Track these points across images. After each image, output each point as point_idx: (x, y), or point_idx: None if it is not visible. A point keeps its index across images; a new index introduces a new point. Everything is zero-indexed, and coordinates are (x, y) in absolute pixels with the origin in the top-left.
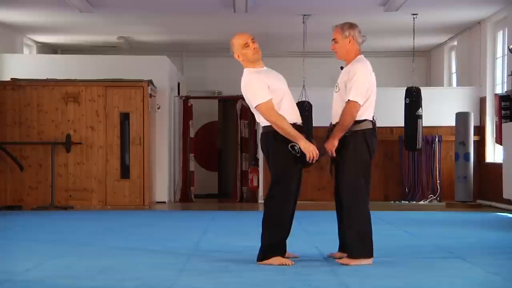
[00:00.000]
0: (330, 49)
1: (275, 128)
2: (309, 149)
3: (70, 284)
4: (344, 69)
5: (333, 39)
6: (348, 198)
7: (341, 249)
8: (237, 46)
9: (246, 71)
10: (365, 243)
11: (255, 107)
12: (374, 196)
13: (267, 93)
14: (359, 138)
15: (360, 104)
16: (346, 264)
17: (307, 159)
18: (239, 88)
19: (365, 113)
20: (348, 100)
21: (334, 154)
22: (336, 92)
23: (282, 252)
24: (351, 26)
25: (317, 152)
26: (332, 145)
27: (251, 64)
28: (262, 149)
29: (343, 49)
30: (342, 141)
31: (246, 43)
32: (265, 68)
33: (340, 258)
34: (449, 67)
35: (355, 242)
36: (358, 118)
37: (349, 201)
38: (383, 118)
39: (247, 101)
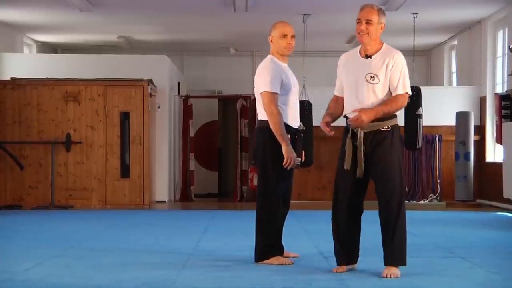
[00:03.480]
0: (357, 31)
1: (269, 120)
2: (289, 155)
3: (70, 283)
4: (375, 57)
5: (367, 20)
6: (400, 202)
7: (355, 259)
8: (276, 32)
9: (269, 57)
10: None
11: (261, 93)
12: (374, 195)
13: (278, 87)
14: (396, 134)
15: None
16: (396, 277)
17: (283, 163)
18: (239, 87)
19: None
20: (404, 93)
21: (364, 125)
22: (375, 83)
23: (280, 251)
24: (384, 13)
25: (295, 162)
26: (368, 117)
27: (277, 55)
28: (255, 144)
29: (375, 33)
30: (372, 138)
31: (286, 35)
32: (285, 65)
33: (387, 274)
34: (449, 67)
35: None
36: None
37: (399, 207)
38: None
39: (255, 85)
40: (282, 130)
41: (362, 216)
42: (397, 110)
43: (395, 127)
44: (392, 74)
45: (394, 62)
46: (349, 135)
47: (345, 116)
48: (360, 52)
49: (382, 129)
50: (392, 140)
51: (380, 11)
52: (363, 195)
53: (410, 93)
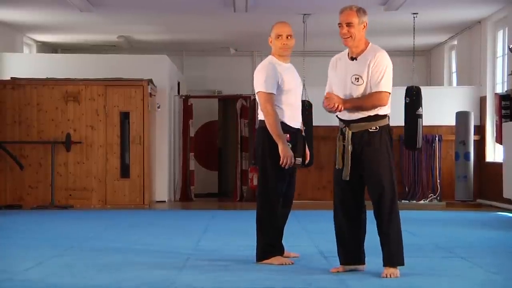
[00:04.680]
0: (340, 35)
1: (265, 120)
2: (285, 154)
3: (70, 283)
4: (360, 58)
5: (347, 23)
6: (391, 203)
7: (356, 260)
8: (273, 33)
9: (268, 58)
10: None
11: (257, 93)
12: None
13: (274, 86)
14: (385, 134)
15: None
16: (396, 277)
17: (280, 162)
18: (239, 87)
19: (388, 109)
20: (381, 91)
21: (337, 108)
22: (359, 85)
23: (280, 251)
24: (365, 12)
25: (292, 161)
26: (340, 103)
27: (277, 55)
28: (256, 143)
29: (358, 35)
30: (360, 138)
31: (281, 35)
32: (288, 65)
33: (387, 274)
34: (449, 66)
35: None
36: (384, 113)
37: (391, 206)
38: None
39: (254, 85)
40: (278, 129)
41: (364, 216)
42: (372, 108)
43: (384, 127)
44: (373, 71)
45: (376, 60)
46: (339, 134)
47: (337, 117)
48: (348, 54)
49: (370, 130)
50: (381, 141)
51: (360, 11)
52: (360, 194)
53: (388, 91)
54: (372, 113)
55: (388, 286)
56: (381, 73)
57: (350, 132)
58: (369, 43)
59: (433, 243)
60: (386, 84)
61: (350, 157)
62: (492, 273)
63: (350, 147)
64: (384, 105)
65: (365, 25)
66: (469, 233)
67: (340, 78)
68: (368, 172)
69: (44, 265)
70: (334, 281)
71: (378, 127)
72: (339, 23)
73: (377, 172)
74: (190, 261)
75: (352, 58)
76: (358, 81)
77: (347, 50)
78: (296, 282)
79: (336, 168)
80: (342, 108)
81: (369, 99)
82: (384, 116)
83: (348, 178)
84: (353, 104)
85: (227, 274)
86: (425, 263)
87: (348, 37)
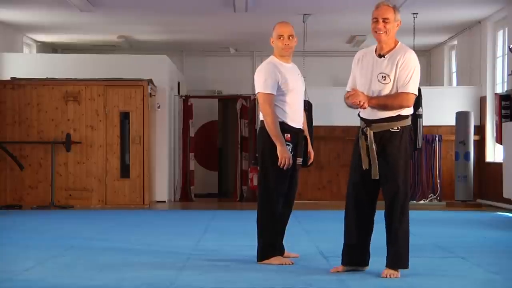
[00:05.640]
0: (374, 30)
1: (264, 121)
2: (283, 155)
3: (70, 283)
4: (388, 56)
5: (384, 18)
6: (403, 204)
7: (359, 262)
8: (274, 33)
9: (269, 58)
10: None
11: (256, 93)
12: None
13: (273, 87)
14: (407, 135)
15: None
16: (396, 277)
17: (278, 163)
18: (239, 87)
19: (411, 109)
20: (408, 92)
21: (365, 105)
22: (385, 83)
23: (280, 251)
24: (399, 10)
25: (291, 162)
26: (366, 100)
27: (278, 56)
28: (257, 143)
29: (392, 31)
30: (381, 137)
31: (282, 36)
32: (290, 65)
33: (387, 274)
34: (449, 67)
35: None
36: (407, 113)
37: (403, 207)
38: None
39: (255, 85)
40: (276, 130)
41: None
42: (398, 108)
43: (406, 128)
44: (400, 71)
45: (404, 60)
46: (361, 134)
47: (358, 115)
48: (376, 51)
49: (392, 129)
50: (401, 141)
51: (396, 8)
52: (374, 196)
53: (415, 93)
54: (394, 114)
55: (388, 286)
56: (409, 74)
57: (372, 132)
58: (398, 42)
59: (433, 243)
60: (413, 85)
61: (375, 156)
62: (492, 273)
63: (374, 146)
64: (409, 107)
65: (398, 23)
66: (469, 233)
67: (365, 75)
68: (385, 171)
69: (44, 265)
70: (334, 281)
71: (400, 127)
72: (374, 18)
73: (393, 172)
74: (190, 261)
75: (380, 56)
76: (385, 80)
77: (373, 47)
78: (296, 282)
79: (363, 168)
80: (367, 105)
81: (396, 99)
82: (407, 117)
83: (377, 177)
84: (379, 102)
85: (227, 274)
86: (425, 263)
87: (383, 32)
